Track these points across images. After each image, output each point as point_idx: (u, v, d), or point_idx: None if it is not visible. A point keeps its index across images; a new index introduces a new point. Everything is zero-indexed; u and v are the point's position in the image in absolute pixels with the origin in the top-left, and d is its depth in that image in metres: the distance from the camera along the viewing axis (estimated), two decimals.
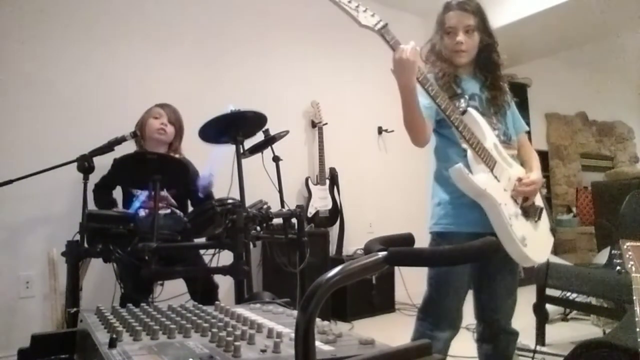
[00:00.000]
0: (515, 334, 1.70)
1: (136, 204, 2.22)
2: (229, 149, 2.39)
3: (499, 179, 1.55)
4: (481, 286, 1.68)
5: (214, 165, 2.47)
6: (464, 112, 1.56)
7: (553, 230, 1.73)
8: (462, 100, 1.58)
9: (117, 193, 2.53)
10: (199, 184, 2.42)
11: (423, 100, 1.55)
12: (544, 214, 1.69)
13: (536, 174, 1.66)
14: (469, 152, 1.54)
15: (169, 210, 2.36)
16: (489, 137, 1.58)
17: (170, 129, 2.51)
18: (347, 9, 1.39)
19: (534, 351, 2.13)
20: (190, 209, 2.52)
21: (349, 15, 1.39)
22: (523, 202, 1.60)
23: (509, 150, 1.65)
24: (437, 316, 1.60)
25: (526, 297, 2.68)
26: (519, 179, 1.61)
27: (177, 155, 2.53)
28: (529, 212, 1.62)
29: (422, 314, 1.64)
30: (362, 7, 1.41)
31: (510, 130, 1.71)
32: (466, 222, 1.56)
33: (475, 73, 1.70)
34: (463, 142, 1.54)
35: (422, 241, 1.69)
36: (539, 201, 1.68)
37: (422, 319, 1.63)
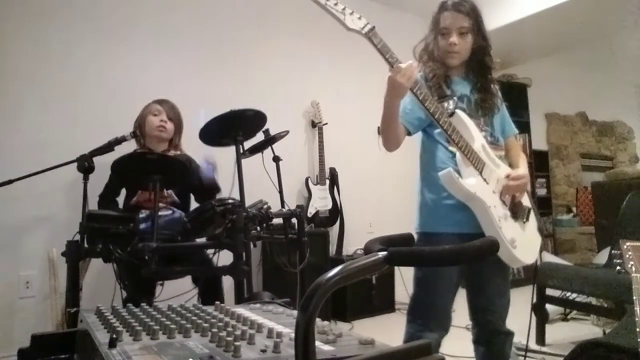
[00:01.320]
0: (510, 334, 1.69)
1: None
2: (216, 150, 2.39)
3: (488, 181, 1.55)
4: (473, 288, 1.68)
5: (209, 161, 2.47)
6: (452, 114, 1.55)
7: (541, 230, 1.73)
8: (451, 102, 1.57)
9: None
10: (202, 176, 2.42)
11: (407, 102, 1.56)
12: (532, 214, 1.69)
13: (522, 170, 1.67)
14: (458, 155, 1.54)
15: (170, 211, 2.36)
16: (477, 139, 1.57)
17: (170, 126, 2.50)
18: (333, 12, 1.36)
19: (526, 349, 2.12)
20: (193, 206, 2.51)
21: (335, 18, 1.36)
22: (511, 204, 1.60)
23: (497, 152, 1.65)
24: (425, 317, 1.59)
25: (526, 297, 2.68)
26: (507, 175, 1.61)
27: (177, 152, 2.53)
28: (518, 213, 1.62)
29: (411, 315, 1.64)
30: (348, 10, 1.38)
31: (498, 132, 1.71)
32: (452, 222, 1.56)
33: (466, 74, 1.70)
34: (451, 145, 1.53)
35: None
36: (526, 202, 1.68)
37: (411, 320, 1.63)
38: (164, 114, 2.49)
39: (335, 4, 1.36)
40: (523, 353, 2.39)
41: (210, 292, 2.24)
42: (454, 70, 1.67)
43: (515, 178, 1.61)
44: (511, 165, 1.72)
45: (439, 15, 1.63)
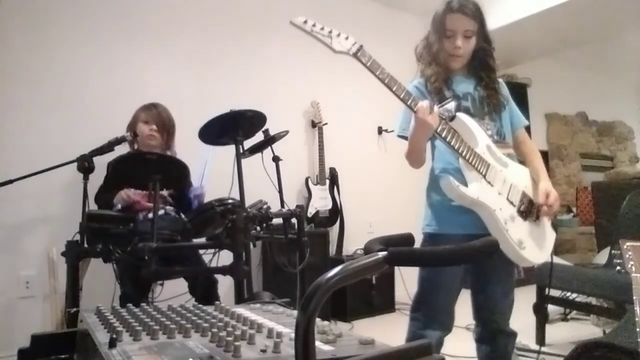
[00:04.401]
0: (513, 335, 1.69)
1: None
2: (217, 150, 2.38)
3: (493, 184, 1.54)
4: (478, 287, 1.68)
5: (205, 172, 2.48)
6: (453, 117, 1.55)
7: (554, 226, 1.71)
8: (452, 104, 1.56)
9: None
10: (191, 194, 2.42)
11: (408, 117, 1.58)
12: None
13: (549, 183, 1.64)
14: (460, 159, 1.53)
15: (162, 211, 2.36)
16: (481, 140, 1.56)
17: (158, 134, 2.50)
18: (320, 37, 1.37)
19: (538, 352, 2.12)
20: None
21: (322, 43, 1.37)
22: (520, 205, 1.59)
23: (504, 150, 1.64)
24: (427, 316, 1.60)
25: (526, 297, 2.68)
26: (540, 205, 1.59)
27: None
28: (527, 212, 1.61)
29: (413, 313, 1.64)
30: (335, 32, 1.38)
31: (506, 128, 1.69)
32: (458, 224, 1.56)
33: (469, 73, 1.69)
34: (452, 152, 1.52)
35: None
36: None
37: (414, 319, 1.63)
38: (153, 122, 2.49)
39: (322, 29, 1.37)
40: (523, 353, 2.40)
41: (206, 299, 2.24)
42: (456, 71, 1.66)
43: (552, 203, 1.59)
44: (523, 162, 1.70)
45: (444, 16, 1.60)
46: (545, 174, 1.68)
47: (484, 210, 1.52)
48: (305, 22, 1.36)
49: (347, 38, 1.39)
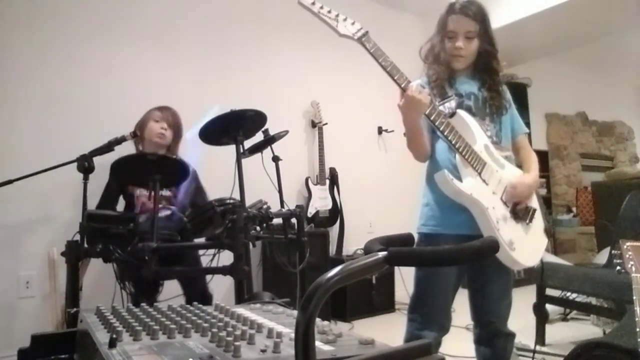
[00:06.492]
0: (512, 335, 1.69)
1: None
2: (216, 150, 2.41)
3: (488, 182, 1.54)
4: (476, 288, 1.67)
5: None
6: (453, 114, 1.54)
7: (547, 231, 1.71)
8: (453, 102, 1.56)
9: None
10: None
11: None
12: (538, 215, 1.66)
13: (530, 176, 1.65)
14: (457, 156, 1.53)
15: (169, 212, 2.36)
16: (479, 139, 1.56)
17: (169, 133, 2.53)
18: (326, 19, 1.38)
19: (534, 351, 2.12)
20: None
21: (328, 25, 1.38)
22: (514, 205, 1.59)
23: (502, 152, 1.64)
24: (424, 316, 1.60)
25: (526, 297, 2.68)
26: (513, 186, 1.58)
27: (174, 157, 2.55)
28: (520, 214, 1.60)
29: (411, 314, 1.64)
30: (342, 16, 1.39)
31: (506, 132, 1.70)
32: (453, 224, 1.56)
33: (473, 75, 1.70)
34: (449, 147, 1.52)
35: None
36: (533, 202, 1.66)
37: (411, 319, 1.64)
38: (165, 121, 2.52)
39: (329, 12, 1.39)
40: (523, 353, 2.40)
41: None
42: (459, 72, 1.67)
43: (517, 186, 1.59)
44: (520, 166, 1.71)
45: (446, 17, 1.62)
46: (535, 174, 1.68)
47: (477, 208, 1.51)
48: (313, 3, 1.38)
49: (353, 23, 1.41)
